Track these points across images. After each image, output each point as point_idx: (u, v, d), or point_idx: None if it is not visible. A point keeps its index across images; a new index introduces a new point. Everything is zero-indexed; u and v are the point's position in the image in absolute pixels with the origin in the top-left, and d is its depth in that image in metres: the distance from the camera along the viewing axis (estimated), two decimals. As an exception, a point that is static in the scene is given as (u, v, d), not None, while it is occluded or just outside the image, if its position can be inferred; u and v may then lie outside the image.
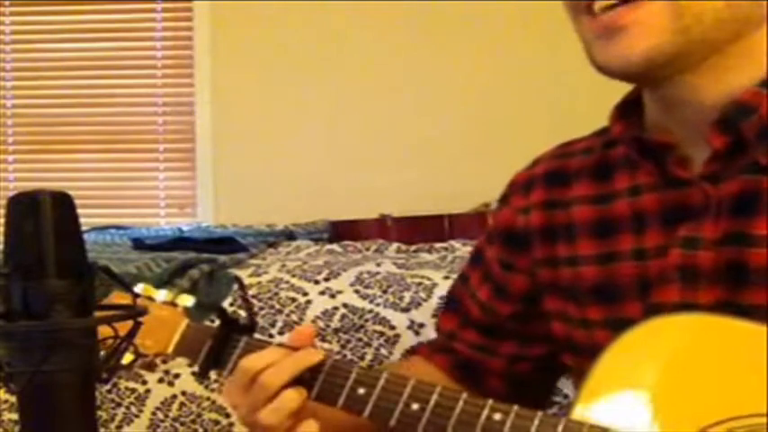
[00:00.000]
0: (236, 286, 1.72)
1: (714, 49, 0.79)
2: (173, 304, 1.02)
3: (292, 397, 0.87)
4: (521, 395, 1.01)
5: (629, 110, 0.89)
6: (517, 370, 1.02)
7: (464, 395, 0.83)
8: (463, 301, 1.06)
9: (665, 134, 0.85)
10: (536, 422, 0.78)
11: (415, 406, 0.84)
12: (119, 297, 0.93)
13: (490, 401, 0.81)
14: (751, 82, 0.80)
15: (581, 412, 0.78)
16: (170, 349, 1.00)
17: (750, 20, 0.79)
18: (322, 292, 1.71)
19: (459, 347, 1.04)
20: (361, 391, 0.87)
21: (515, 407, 0.80)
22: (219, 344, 0.96)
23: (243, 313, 1.11)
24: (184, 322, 1.00)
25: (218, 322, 0.97)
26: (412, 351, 1.12)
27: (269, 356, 0.89)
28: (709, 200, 0.80)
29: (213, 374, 1.51)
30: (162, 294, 1.03)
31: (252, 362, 0.89)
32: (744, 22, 0.79)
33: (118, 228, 2.93)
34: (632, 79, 0.83)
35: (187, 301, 1.02)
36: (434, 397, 0.83)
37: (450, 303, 1.09)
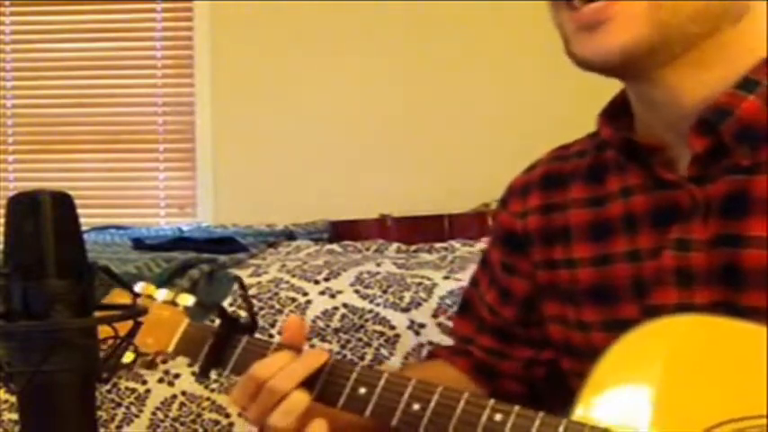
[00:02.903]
0: (236, 286, 1.72)
1: (692, 44, 0.79)
2: (173, 303, 1.02)
3: (301, 398, 0.87)
4: (540, 398, 1.00)
5: (616, 113, 0.89)
6: (533, 374, 1.02)
7: (465, 395, 0.82)
8: (476, 306, 1.06)
9: (653, 136, 0.85)
10: (537, 423, 0.78)
11: (416, 406, 0.84)
12: (119, 295, 0.93)
13: (491, 401, 0.81)
14: (726, 81, 0.80)
15: (582, 413, 0.78)
16: (170, 348, 0.99)
17: (727, 15, 0.79)
18: (322, 292, 1.71)
19: (476, 352, 1.04)
20: (362, 390, 0.87)
21: (516, 407, 0.80)
22: (220, 343, 0.96)
23: (244, 313, 1.11)
24: (185, 321, 1.00)
25: (218, 322, 0.97)
26: (431, 355, 1.12)
27: (277, 362, 0.89)
28: (697, 201, 0.81)
29: (213, 374, 1.51)
30: (162, 294, 1.02)
31: (260, 369, 0.89)
32: (721, 17, 0.79)
33: (118, 228, 2.93)
34: (611, 73, 0.82)
35: (187, 300, 1.02)
36: (435, 397, 0.83)
37: (464, 308, 1.09)
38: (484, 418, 0.80)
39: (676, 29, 0.77)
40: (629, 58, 0.78)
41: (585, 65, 0.81)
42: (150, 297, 1.02)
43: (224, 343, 0.96)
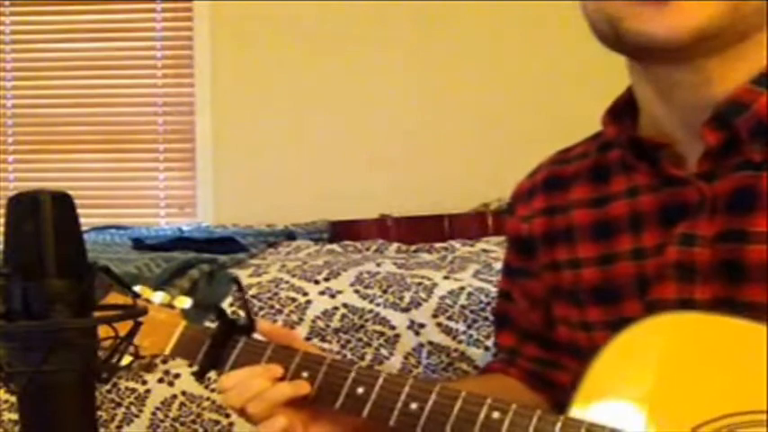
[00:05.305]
0: (234, 287, 1.72)
1: (744, 36, 0.79)
2: (170, 306, 1.02)
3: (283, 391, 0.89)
4: None
5: (620, 113, 0.89)
6: None
7: (463, 394, 0.83)
8: (513, 317, 1.06)
9: (659, 134, 0.85)
10: (534, 420, 0.78)
11: (413, 405, 0.84)
12: (116, 297, 0.93)
13: (489, 399, 0.81)
14: (745, 78, 0.80)
15: (579, 410, 0.78)
16: (168, 350, 0.99)
17: (764, 13, 0.80)
18: (322, 292, 1.71)
19: (523, 362, 1.04)
20: (360, 390, 0.87)
21: (514, 405, 0.80)
22: (218, 344, 0.96)
23: (243, 314, 1.11)
24: (182, 324, 1.00)
25: (216, 323, 0.97)
26: (485, 369, 1.11)
27: (252, 389, 0.90)
28: (705, 198, 0.81)
29: (213, 374, 1.51)
30: (159, 296, 1.02)
31: (233, 400, 0.91)
32: (763, 15, 0.79)
33: (118, 228, 2.93)
34: (668, 51, 0.78)
35: (184, 303, 1.02)
36: (433, 396, 0.83)
37: (501, 322, 1.09)
38: (482, 416, 0.80)
39: (743, 16, 0.77)
40: (700, 37, 0.76)
41: (646, 40, 0.77)
42: (147, 300, 1.02)
43: (222, 344, 0.96)
